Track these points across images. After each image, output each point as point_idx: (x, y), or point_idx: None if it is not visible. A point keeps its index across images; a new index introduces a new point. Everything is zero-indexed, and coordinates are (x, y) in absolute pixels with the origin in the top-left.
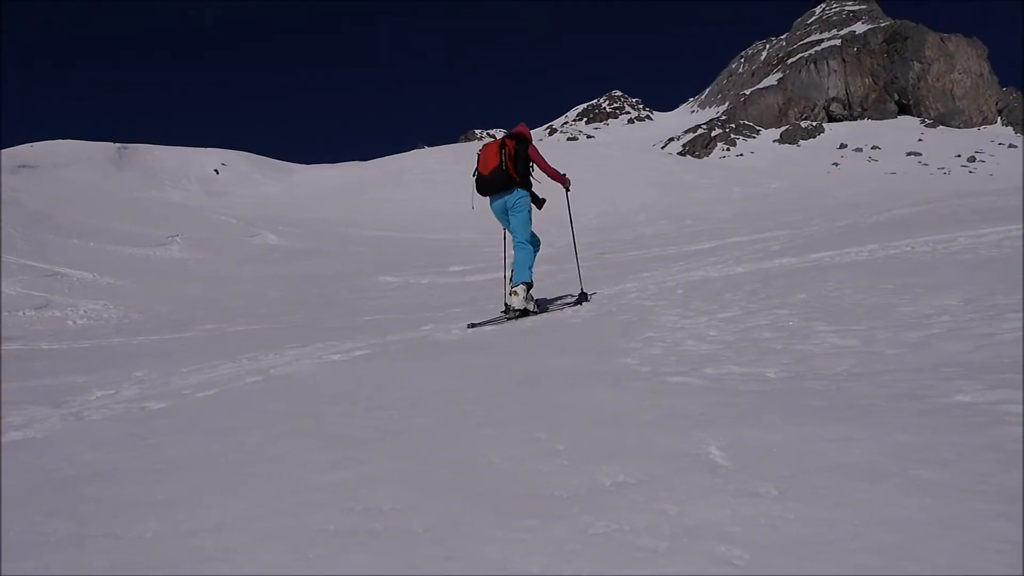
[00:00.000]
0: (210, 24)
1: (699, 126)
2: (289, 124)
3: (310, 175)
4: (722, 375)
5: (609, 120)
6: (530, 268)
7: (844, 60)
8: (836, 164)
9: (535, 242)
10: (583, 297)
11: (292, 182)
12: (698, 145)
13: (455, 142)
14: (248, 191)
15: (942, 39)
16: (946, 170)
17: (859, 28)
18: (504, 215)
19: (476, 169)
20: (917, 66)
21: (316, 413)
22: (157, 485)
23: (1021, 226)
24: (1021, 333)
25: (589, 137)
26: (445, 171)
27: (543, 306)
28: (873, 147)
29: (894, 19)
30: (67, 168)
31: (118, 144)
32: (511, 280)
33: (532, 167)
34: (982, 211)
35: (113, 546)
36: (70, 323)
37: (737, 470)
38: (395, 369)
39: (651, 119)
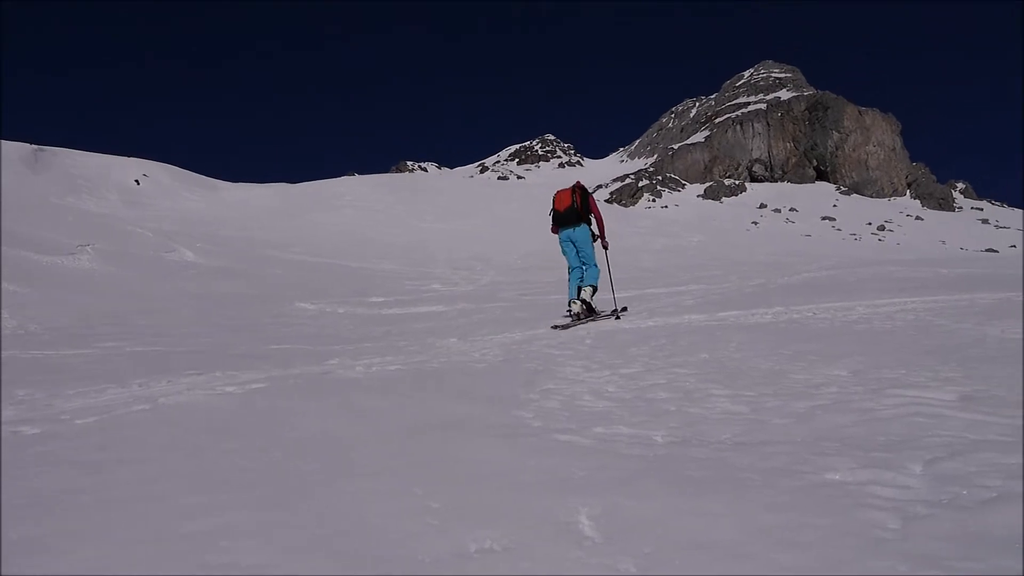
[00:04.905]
0: (134, 38)
1: (627, 175)
2: (214, 142)
3: (237, 193)
4: (610, 435)
5: (540, 163)
6: (598, 278)
7: (768, 124)
8: (755, 223)
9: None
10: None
11: (217, 199)
12: (625, 194)
13: (386, 171)
14: (170, 205)
15: (860, 112)
16: (857, 236)
17: (784, 95)
18: (569, 243)
19: (552, 208)
20: (836, 135)
21: (197, 451)
22: (10, 524)
23: (915, 299)
24: (898, 410)
25: (520, 178)
26: (378, 199)
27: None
28: (791, 209)
29: (817, 89)
30: None
31: (34, 145)
32: (583, 285)
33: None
34: (883, 280)
35: None
36: None
37: (602, 542)
38: (289, 407)
39: (582, 165)
